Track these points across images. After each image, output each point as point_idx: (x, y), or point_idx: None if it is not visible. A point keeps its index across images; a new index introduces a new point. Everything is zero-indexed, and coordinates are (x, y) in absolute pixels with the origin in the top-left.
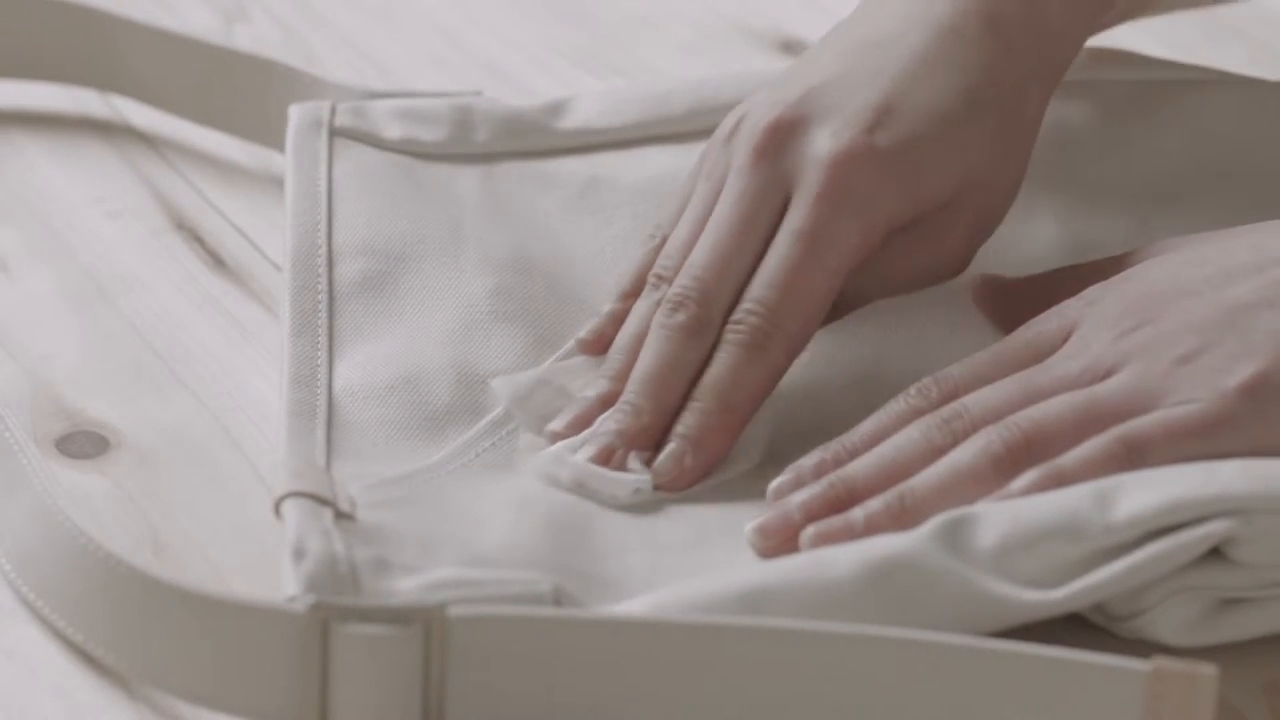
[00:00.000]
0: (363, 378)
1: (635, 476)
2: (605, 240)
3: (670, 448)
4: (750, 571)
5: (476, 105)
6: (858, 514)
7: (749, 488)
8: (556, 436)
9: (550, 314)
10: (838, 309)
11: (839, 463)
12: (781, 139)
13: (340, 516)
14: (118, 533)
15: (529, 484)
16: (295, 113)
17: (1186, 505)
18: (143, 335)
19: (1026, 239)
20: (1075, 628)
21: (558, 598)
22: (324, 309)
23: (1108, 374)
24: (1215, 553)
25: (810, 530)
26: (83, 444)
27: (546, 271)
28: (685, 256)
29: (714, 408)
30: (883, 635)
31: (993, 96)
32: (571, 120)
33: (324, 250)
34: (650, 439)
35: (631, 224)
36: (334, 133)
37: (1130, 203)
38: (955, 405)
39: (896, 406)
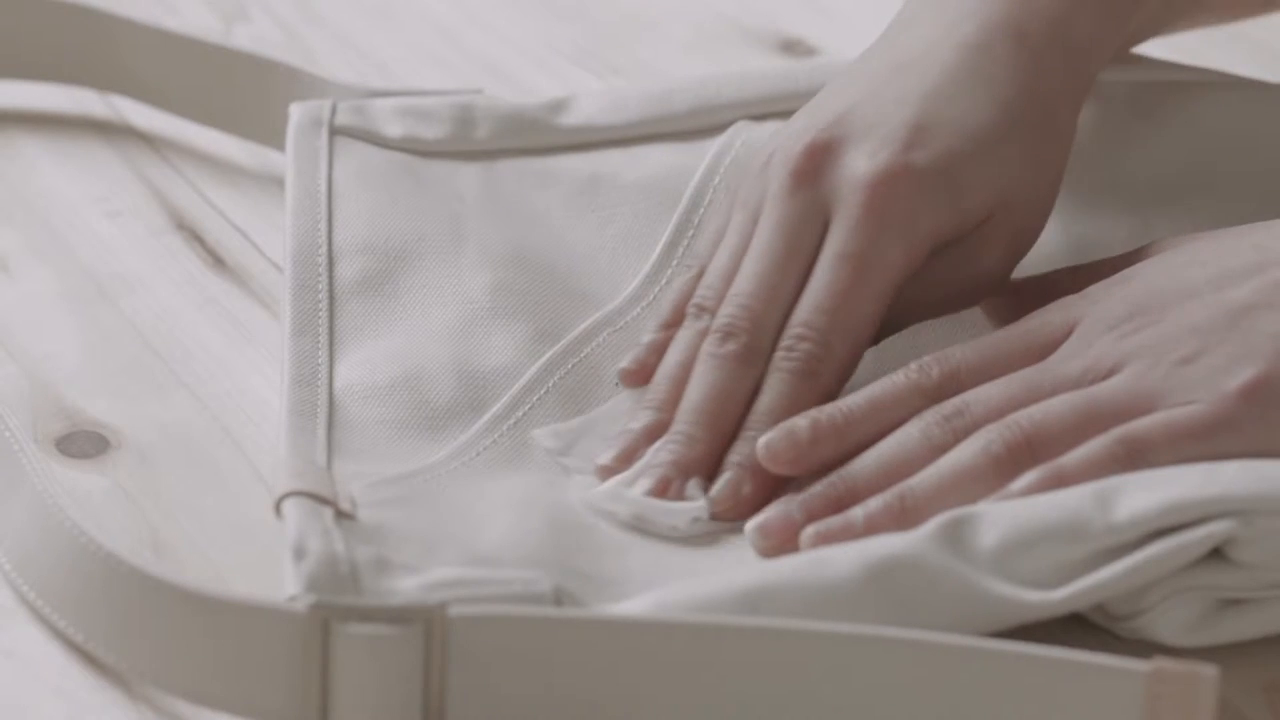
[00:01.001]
0: (363, 376)
1: (693, 505)
2: (606, 237)
3: (727, 476)
4: (751, 571)
5: (477, 103)
6: (857, 513)
7: None
8: (607, 471)
9: (551, 308)
10: (877, 333)
11: (833, 424)
12: (817, 163)
13: (341, 516)
14: (117, 532)
15: (530, 482)
16: (296, 111)
17: (1187, 506)
18: (143, 335)
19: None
20: (1075, 627)
21: (558, 597)
22: (324, 308)
23: (1108, 374)
24: (1216, 553)
25: (810, 530)
26: (83, 444)
27: (547, 267)
28: (726, 285)
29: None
30: (883, 635)
31: (1024, 112)
32: (573, 118)
33: (324, 249)
34: (705, 467)
35: (632, 221)
36: (334, 131)
37: (1131, 203)
38: (956, 402)
39: (896, 379)
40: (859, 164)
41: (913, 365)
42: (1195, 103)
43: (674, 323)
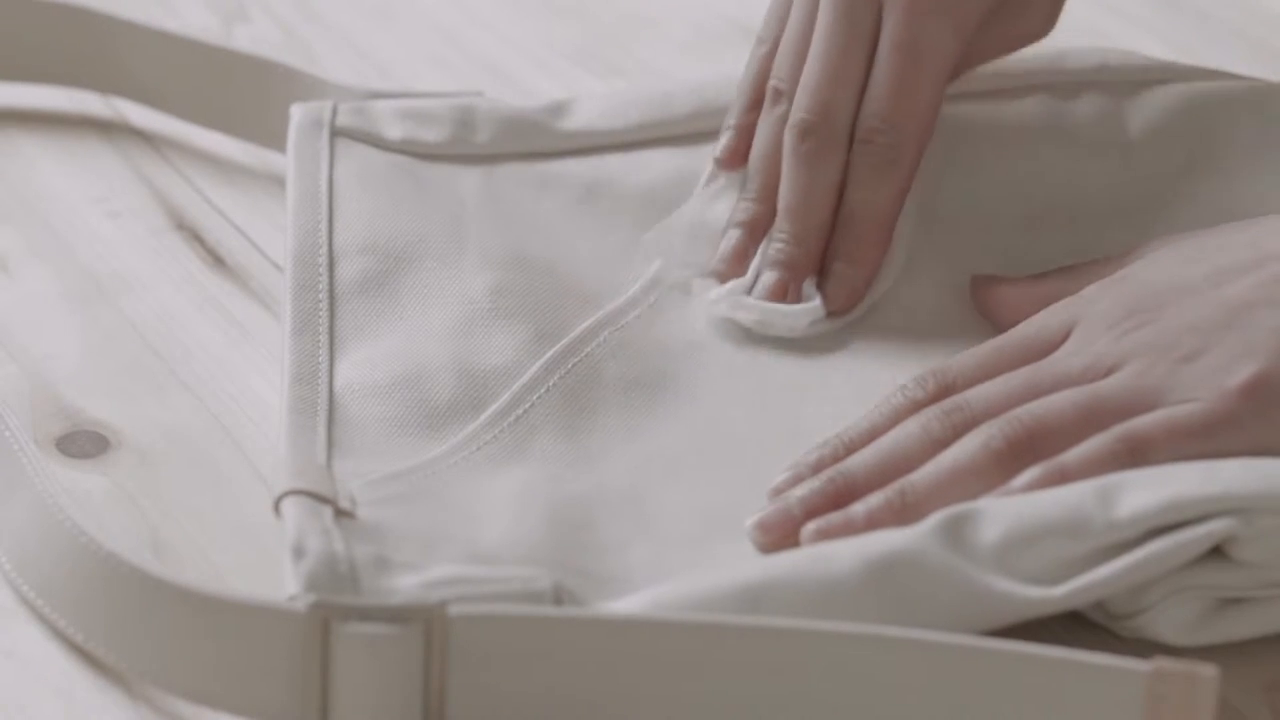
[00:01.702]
0: (364, 375)
1: (811, 305)
2: (607, 242)
3: (835, 272)
4: (751, 567)
5: (478, 106)
6: (858, 509)
7: (753, 483)
8: (722, 275)
9: (551, 309)
10: None
11: (837, 458)
12: None
13: (340, 514)
14: (118, 532)
15: (531, 479)
16: (297, 112)
17: (1188, 504)
18: (143, 335)
19: (1027, 239)
20: (1076, 627)
21: (557, 594)
22: (325, 308)
23: (1108, 372)
24: (1216, 552)
25: (810, 526)
26: (83, 444)
27: (547, 268)
28: (798, 66)
29: (865, 228)
30: (883, 634)
31: None
32: (573, 121)
33: (325, 249)
34: (813, 263)
35: (633, 226)
36: (335, 133)
37: (1130, 202)
38: (956, 398)
39: (894, 400)
40: None
41: (909, 382)
42: (1195, 103)
43: (755, 103)
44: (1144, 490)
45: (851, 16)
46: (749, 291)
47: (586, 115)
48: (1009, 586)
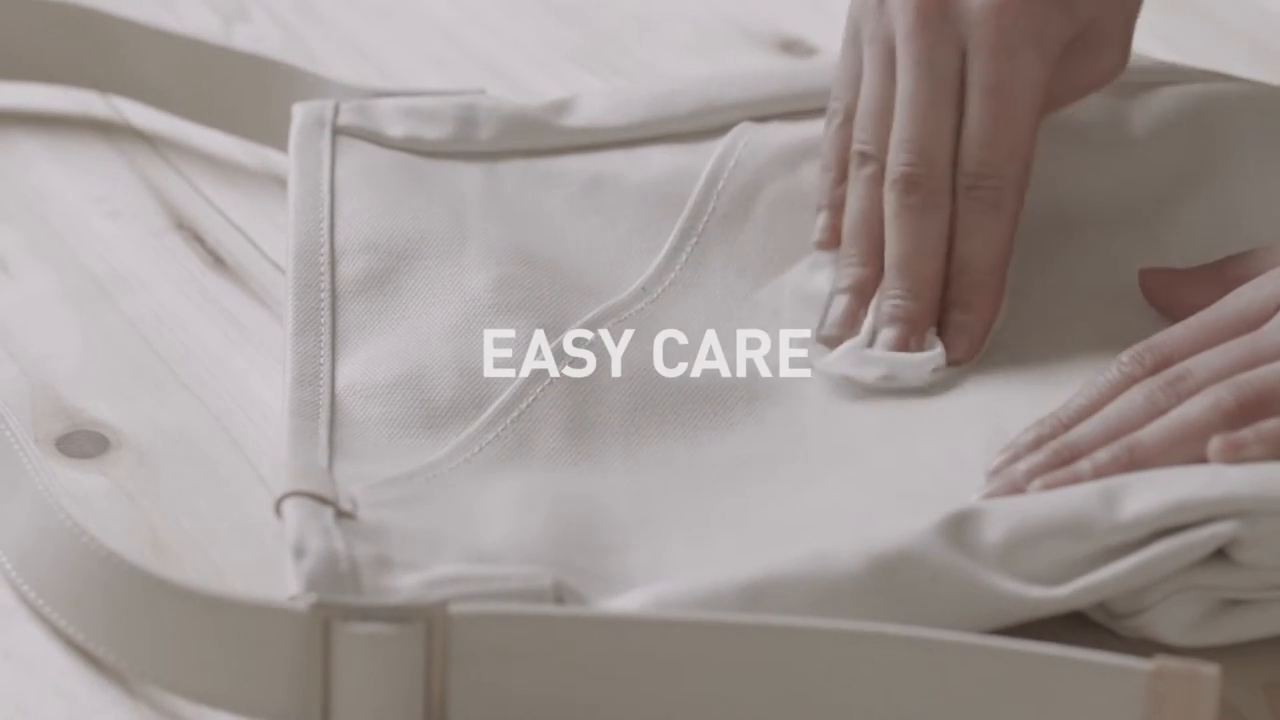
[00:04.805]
0: (366, 375)
1: (933, 354)
2: (609, 238)
3: (954, 322)
4: (754, 564)
5: (480, 104)
6: (1084, 465)
7: (761, 480)
8: (833, 340)
9: (554, 304)
10: None
11: (1056, 435)
12: None
13: (341, 515)
14: (118, 532)
15: (532, 479)
16: (299, 111)
17: (1192, 506)
18: (143, 335)
19: (1023, 242)
20: (1077, 626)
21: (559, 592)
22: (327, 307)
23: None
24: (1219, 553)
25: (1036, 482)
26: (83, 444)
27: (550, 264)
28: (882, 126)
29: (981, 275)
30: (884, 633)
31: None
32: (576, 119)
33: (327, 248)
34: (930, 316)
35: (635, 222)
36: (337, 131)
37: (1133, 204)
38: (1178, 368)
39: (1109, 375)
40: None
41: (1124, 357)
42: (1196, 103)
43: (842, 178)
44: (1148, 492)
45: (935, 65)
46: (869, 348)
47: (589, 112)
48: (1012, 586)
